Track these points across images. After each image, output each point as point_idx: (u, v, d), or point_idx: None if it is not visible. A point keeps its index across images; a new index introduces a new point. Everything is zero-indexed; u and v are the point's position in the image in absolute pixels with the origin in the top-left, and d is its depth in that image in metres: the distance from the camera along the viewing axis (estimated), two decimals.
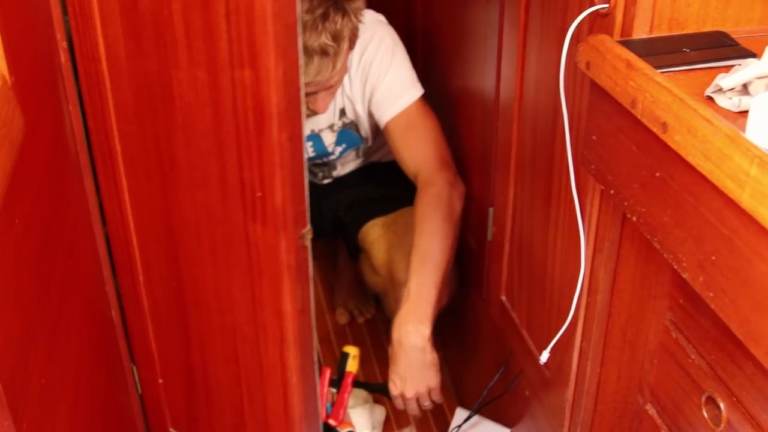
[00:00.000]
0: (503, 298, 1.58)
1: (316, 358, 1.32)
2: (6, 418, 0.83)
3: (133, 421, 1.59)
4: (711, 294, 0.79)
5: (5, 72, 0.98)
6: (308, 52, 1.57)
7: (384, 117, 1.77)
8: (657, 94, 0.82)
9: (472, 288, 1.81)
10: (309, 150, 1.96)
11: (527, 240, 1.43)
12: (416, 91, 1.77)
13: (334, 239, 2.41)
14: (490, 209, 1.59)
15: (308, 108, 1.74)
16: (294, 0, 1.00)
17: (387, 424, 1.95)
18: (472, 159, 1.73)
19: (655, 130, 0.82)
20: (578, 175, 1.14)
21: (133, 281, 1.42)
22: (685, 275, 0.84)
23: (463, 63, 1.74)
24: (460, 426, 1.70)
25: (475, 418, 1.70)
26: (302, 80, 1.07)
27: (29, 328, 0.99)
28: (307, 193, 1.18)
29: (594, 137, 1.00)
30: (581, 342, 1.22)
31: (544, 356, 1.30)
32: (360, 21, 1.67)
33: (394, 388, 1.67)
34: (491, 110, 1.52)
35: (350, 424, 1.68)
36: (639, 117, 0.85)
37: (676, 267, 0.85)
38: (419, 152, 1.76)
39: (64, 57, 1.23)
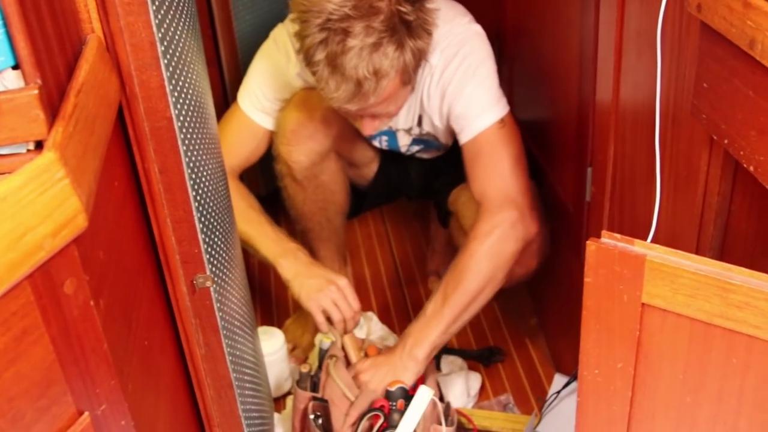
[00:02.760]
0: None
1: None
2: (113, 377, 0.84)
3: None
4: None
5: (101, 34, 0.99)
6: (344, 76, 1.48)
7: (460, 138, 1.71)
8: None
9: (569, 251, 1.76)
10: (383, 143, 1.94)
11: (629, 200, 1.38)
12: (495, 114, 1.67)
13: (423, 205, 2.40)
14: (589, 169, 1.54)
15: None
16: None
17: (483, 391, 1.92)
18: (569, 119, 1.68)
19: None
20: (683, 129, 1.09)
21: None
22: None
23: (557, 19, 1.69)
24: (559, 392, 1.67)
25: (574, 384, 1.67)
26: (173, 105, 1.06)
27: (131, 291, 0.99)
28: (200, 235, 1.16)
29: (705, 85, 0.95)
30: None
31: None
32: (425, 60, 1.58)
33: (361, 370, 1.66)
34: (588, 67, 1.47)
35: (399, 381, 1.66)
36: (758, 58, 0.80)
37: None
38: (485, 183, 1.67)
39: None
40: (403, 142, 1.91)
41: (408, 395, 1.61)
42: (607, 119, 1.40)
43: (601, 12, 1.38)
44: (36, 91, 0.74)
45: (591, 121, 1.50)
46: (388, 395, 1.62)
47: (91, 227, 0.76)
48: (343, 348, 1.72)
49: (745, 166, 0.89)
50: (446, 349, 1.97)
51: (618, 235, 0.85)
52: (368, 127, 1.68)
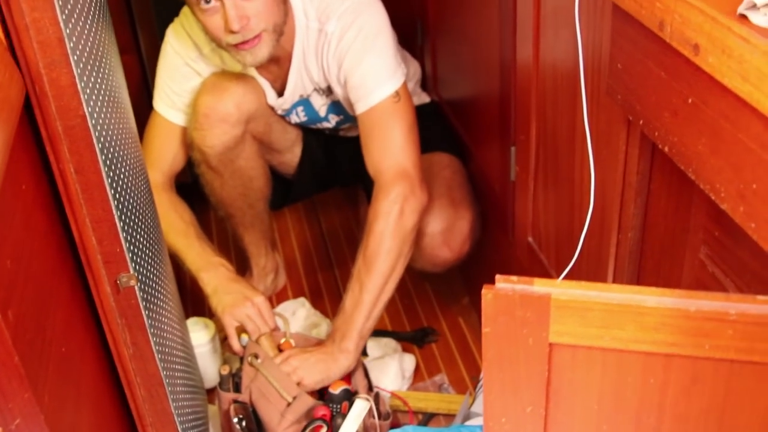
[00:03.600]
0: (530, 239, 1.54)
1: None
2: (26, 390, 0.81)
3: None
4: (753, 225, 0.75)
5: (1, 35, 0.95)
6: None
7: (355, 109, 1.69)
8: (686, 13, 0.77)
9: (497, 231, 1.77)
10: (300, 115, 1.90)
11: (552, 178, 1.39)
12: (390, 86, 1.66)
13: (352, 189, 2.38)
14: (512, 148, 1.55)
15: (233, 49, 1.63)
16: None
17: (417, 372, 1.92)
18: (492, 100, 1.68)
19: (685, 53, 0.78)
20: (601, 108, 1.09)
21: None
22: (723, 206, 0.79)
23: (476, 4, 1.68)
24: None
25: None
26: (86, 102, 1.03)
27: (45, 298, 0.96)
28: (121, 234, 1.13)
29: (619, 65, 0.95)
30: (613, 281, 1.19)
31: None
32: None
33: (290, 355, 1.66)
34: (508, 47, 1.47)
35: (341, 383, 1.66)
36: (668, 40, 0.80)
37: (713, 198, 0.81)
38: (379, 155, 1.67)
39: None
40: (319, 104, 1.87)
41: (351, 396, 1.62)
42: (528, 98, 1.40)
43: None
44: None
45: (512, 101, 1.50)
46: (330, 398, 1.62)
47: None
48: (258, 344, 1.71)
49: (660, 146, 0.90)
50: (380, 332, 1.97)
51: (514, 278, 0.78)
52: (234, 23, 1.56)
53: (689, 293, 0.73)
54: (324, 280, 2.27)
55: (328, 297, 2.19)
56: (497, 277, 0.76)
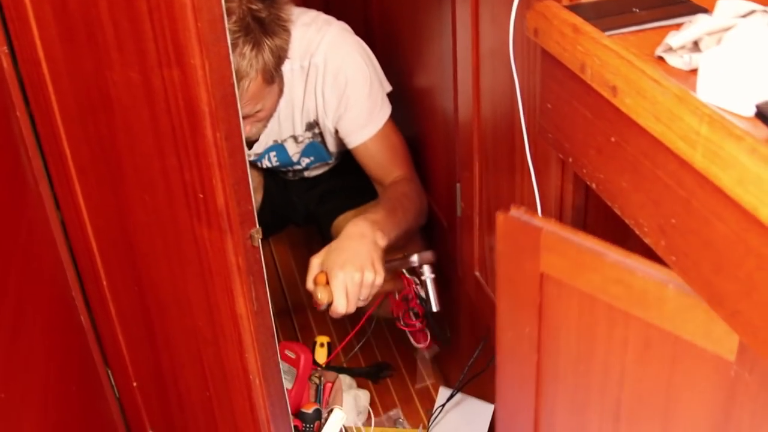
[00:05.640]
0: (477, 273, 1.56)
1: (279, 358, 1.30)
2: None
3: (113, 425, 1.57)
4: (673, 258, 0.78)
5: None
6: None
7: (353, 140, 1.76)
8: (605, 57, 0.80)
9: (446, 266, 1.79)
10: (273, 160, 1.91)
11: (495, 213, 1.41)
12: (386, 111, 1.76)
13: (308, 229, 2.39)
14: (457, 185, 1.57)
15: None
16: None
17: (372, 407, 1.93)
18: (436, 136, 1.71)
19: (605, 94, 0.81)
20: (538, 146, 1.12)
21: (97, 286, 1.39)
22: (647, 240, 0.82)
23: (420, 43, 1.72)
24: (443, 405, 1.69)
25: (459, 395, 1.69)
26: (235, 77, 1.03)
27: None
28: (252, 192, 1.14)
29: (549, 105, 0.98)
30: None
31: None
32: (286, 58, 1.59)
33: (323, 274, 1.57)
34: (449, 87, 1.50)
35: (313, 404, 1.66)
36: (589, 82, 0.83)
37: (638, 232, 0.84)
38: (386, 169, 1.77)
39: (6, 62, 1.20)
40: (294, 151, 1.89)
41: (321, 416, 1.61)
42: (470, 137, 1.43)
43: (457, 31, 1.41)
44: None
45: (456, 139, 1.52)
46: (302, 417, 1.61)
47: None
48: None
49: (588, 183, 0.92)
50: (334, 368, 1.97)
51: (523, 208, 0.91)
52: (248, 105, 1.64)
53: (643, 260, 0.81)
54: (280, 324, 2.27)
55: (283, 338, 2.19)
56: (512, 205, 0.92)
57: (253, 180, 1.97)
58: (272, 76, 1.57)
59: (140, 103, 1.09)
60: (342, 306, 1.52)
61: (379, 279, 1.55)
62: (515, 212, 0.92)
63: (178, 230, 1.19)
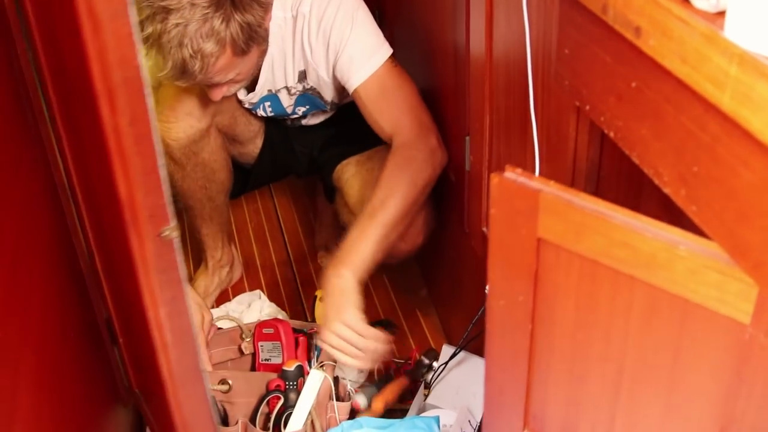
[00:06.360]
0: (484, 229, 1.53)
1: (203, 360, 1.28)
2: None
3: (110, 375, 1.56)
4: (694, 208, 0.75)
5: None
6: (167, 56, 1.48)
7: (352, 83, 1.67)
8: None
9: (453, 221, 1.76)
10: (267, 110, 1.89)
11: (505, 167, 1.38)
12: (384, 53, 1.66)
13: (311, 179, 2.37)
14: (467, 138, 1.54)
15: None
16: None
17: None
18: (446, 89, 1.67)
19: (628, 36, 0.77)
20: (552, 94, 1.09)
21: (85, 236, 1.37)
22: (666, 190, 0.79)
23: None
24: (446, 363, 1.67)
25: (462, 354, 1.67)
26: (143, 60, 0.97)
27: None
28: (166, 186, 1.07)
29: (566, 51, 0.94)
30: None
31: None
32: (261, 29, 1.57)
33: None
34: (461, 36, 1.46)
35: (295, 360, 1.67)
36: (611, 23, 0.79)
37: (657, 182, 0.80)
38: (396, 118, 1.65)
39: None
40: (287, 103, 1.86)
41: (303, 373, 1.61)
42: (482, 88, 1.40)
43: None
44: None
45: (467, 91, 1.49)
46: (284, 375, 1.61)
47: None
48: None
49: (606, 131, 0.89)
50: None
51: (519, 170, 0.85)
52: (215, 93, 1.66)
53: (652, 221, 0.77)
54: (281, 273, 2.26)
55: (285, 290, 2.18)
56: (507, 166, 0.86)
57: (254, 126, 1.98)
58: (243, 50, 1.56)
59: (81, 68, 1.03)
60: (351, 364, 1.56)
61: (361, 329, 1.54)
62: (510, 174, 0.86)
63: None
